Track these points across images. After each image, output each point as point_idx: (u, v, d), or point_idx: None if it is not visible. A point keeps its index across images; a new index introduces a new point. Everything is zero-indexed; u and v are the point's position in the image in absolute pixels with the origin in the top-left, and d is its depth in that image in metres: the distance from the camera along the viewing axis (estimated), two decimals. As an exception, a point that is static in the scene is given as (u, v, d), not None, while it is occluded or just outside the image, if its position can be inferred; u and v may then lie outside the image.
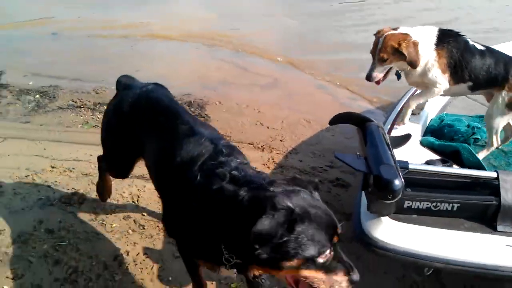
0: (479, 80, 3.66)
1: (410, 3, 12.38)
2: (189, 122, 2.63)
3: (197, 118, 2.70)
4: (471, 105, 4.53)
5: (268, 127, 5.77)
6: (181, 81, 7.02)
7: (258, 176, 2.18)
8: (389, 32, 3.55)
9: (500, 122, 3.76)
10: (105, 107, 5.97)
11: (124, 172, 3.52)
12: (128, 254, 3.54)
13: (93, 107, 6.09)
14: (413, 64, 3.52)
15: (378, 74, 3.66)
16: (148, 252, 3.57)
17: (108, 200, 4.07)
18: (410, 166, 2.73)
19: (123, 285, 3.28)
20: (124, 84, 3.27)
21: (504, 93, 3.66)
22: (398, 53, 3.50)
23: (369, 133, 2.83)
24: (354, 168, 2.72)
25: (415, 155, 3.29)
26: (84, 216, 3.91)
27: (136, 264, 3.46)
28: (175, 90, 6.52)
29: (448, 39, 3.62)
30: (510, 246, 2.63)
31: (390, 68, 3.67)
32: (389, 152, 2.67)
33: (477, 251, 2.61)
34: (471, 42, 3.70)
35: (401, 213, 2.74)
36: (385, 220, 2.72)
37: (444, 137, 3.87)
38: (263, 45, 8.88)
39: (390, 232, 2.69)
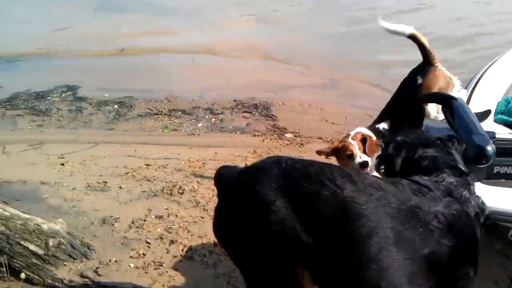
0: None
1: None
2: None
3: None
4: (533, 88, 4.80)
5: (333, 123, 6.13)
6: (243, 87, 7.48)
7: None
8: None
9: None
10: (179, 113, 6.54)
11: None
12: (232, 234, 3.93)
13: (169, 113, 6.60)
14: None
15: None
16: (250, 232, 3.96)
17: (205, 189, 4.52)
18: (497, 136, 3.05)
19: (233, 260, 3.66)
20: None
21: None
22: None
23: (456, 108, 3.15)
24: (448, 139, 3.06)
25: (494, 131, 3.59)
26: (187, 204, 4.34)
27: (242, 242, 3.85)
28: (240, 95, 7.08)
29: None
30: None
31: None
32: (478, 123, 3.00)
33: None
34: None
35: (491, 178, 3.06)
36: (478, 185, 3.03)
37: (514, 116, 4.15)
38: (313, 55, 9.23)
39: (483, 195, 3.01)
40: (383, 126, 3.78)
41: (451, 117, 3.19)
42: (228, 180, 2.10)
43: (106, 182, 4.70)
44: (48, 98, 7.36)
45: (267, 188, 1.87)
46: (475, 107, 4.12)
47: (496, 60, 5.04)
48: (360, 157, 3.33)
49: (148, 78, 8.10)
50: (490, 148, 2.76)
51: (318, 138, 5.76)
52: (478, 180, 3.03)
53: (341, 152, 3.39)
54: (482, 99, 4.32)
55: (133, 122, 6.42)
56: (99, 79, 8.08)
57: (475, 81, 4.57)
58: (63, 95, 7.40)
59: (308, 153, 5.38)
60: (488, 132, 2.99)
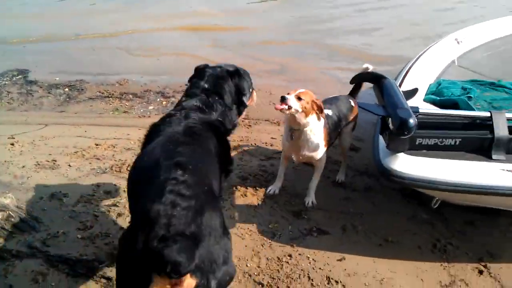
0: None
1: None
2: None
3: None
4: (463, 72, 5.15)
5: (280, 106, 6.37)
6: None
7: None
8: None
9: None
10: (130, 96, 6.64)
11: None
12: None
13: (120, 96, 6.71)
14: None
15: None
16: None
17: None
18: (420, 110, 3.33)
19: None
20: None
21: None
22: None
23: (385, 86, 3.43)
24: (375, 113, 3.34)
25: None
26: (136, 180, 4.48)
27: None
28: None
29: None
30: (503, 170, 3.22)
31: None
32: (403, 99, 3.27)
33: (477, 175, 3.21)
34: None
35: (414, 149, 3.33)
36: (401, 155, 3.31)
37: (443, 97, 4.46)
38: (266, 38, 9.50)
39: (406, 164, 3.28)
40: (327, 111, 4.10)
41: (380, 94, 3.47)
42: None
43: (55, 161, 4.79)
44: (-2, 81, 7.33)
45: None
46: (407, 87, 4.42)
47: (429, 48, 5.38)
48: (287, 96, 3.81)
49: (100, 62, 8.15)
50: (412, 120, 3.04)
51: (265, 120, 6.00)
52: (403, 151, 3.32)
53: None
54: (414, 81, 4.63)
55: (84, 104, 6.49)
56: (51, 63, 8.09)
57: (408, 66, 4.89)
58: (14, 78, 7.38)
59: (255, 133, 5.62)
60: (412, 107, 3.26)
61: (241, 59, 8.40)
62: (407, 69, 4.82)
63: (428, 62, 5.09)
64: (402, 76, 4.71)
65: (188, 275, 1.97)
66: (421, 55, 5.19)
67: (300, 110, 3.77)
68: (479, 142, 3.33)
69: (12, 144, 5.16)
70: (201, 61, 7.71)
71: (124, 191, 4.30)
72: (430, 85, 4.78)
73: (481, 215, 4.20)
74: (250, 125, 5.86)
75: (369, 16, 11.69)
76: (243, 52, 8.78)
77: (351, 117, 4.45)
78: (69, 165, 4.73)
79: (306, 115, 3.83)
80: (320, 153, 4.07)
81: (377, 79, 3.58)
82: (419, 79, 4.71)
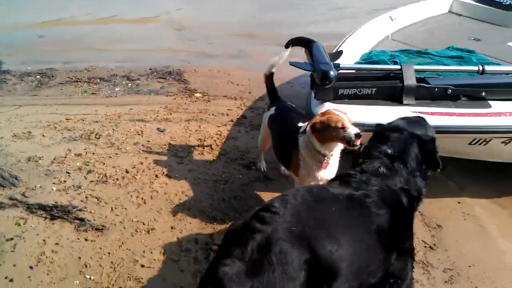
0: None
1: None
2: None
3: None
4: (396, 44, 5.77)
5: (237, 84, 6.96)
6: (158, 57, 8.19)
7: None
8: None
9: None
10: (98, 80, 7.14)
11: None
12: (142, 164, 4.68)
13: (88, 80, 7.19)
14: None
15: None
16: (157, 162, 4.71)
17: (120, 134, 5.21)
18: (341, 65, 3.95)
19: (142, 181, 4.40)
20: None
21: None
22: None
23: (314, 47, 4.02)
24: (304, 69, 3.94)
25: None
26: (103, 145, 5.03)
27: (149, 169, 4.60)
28: (155, 63, 7.76)
29: None
30: (414, 112, 3.85)
31: None
32: (327, 57, 3.87)
33: (390, 117, 3.82)
34: None
35: (337, 98, 3.94)
36: (327, 104, 3.92)
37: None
38: (224, 23, 10.11)
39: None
40: None
41: (310, 54, 4.07)
42: None
43: (30, 132, 5.28)
44: (-29, 73, 7.71)
45: None
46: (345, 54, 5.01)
47: (364, 24, 6.01)
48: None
49: (67, 51, 8.60)
50: (332, 72, 3.64)
51: (224, 96, 6.56)
52: (328, 101, 3.93)
53: (330, 124, 3.26)
54: (349, 51, 5.25)
55: (55, 88, 6.95)
56: (20, 54, 8.45)
57: (343, 40, 5.49)
58: (-13, 70, 7.77)
59: (213, 106, 6.18)
60: (334, 63, 3.87)
61: (201, 45, 8.99)
62: (342, 42, 5.43)
63: (363, 36, 5.70)
64: (339, 45, 5.32)
65: None
66: (355, 31, 5.79)
67: None
68: (392, 90, 3.94)
69: (-10, 122, 5.63)
70: (168, 50, 8.49)
71: (93, 153, 4.85)
72: (363, 54, 5.41)
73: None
74: (209, 100, 6.41)
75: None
76: (201, 38, 9.36)
77: None
78: (43, 135, 5.22)
79: None
80: None
81: (308, 43, 4.17)
82: (353, 50, 5.33)
